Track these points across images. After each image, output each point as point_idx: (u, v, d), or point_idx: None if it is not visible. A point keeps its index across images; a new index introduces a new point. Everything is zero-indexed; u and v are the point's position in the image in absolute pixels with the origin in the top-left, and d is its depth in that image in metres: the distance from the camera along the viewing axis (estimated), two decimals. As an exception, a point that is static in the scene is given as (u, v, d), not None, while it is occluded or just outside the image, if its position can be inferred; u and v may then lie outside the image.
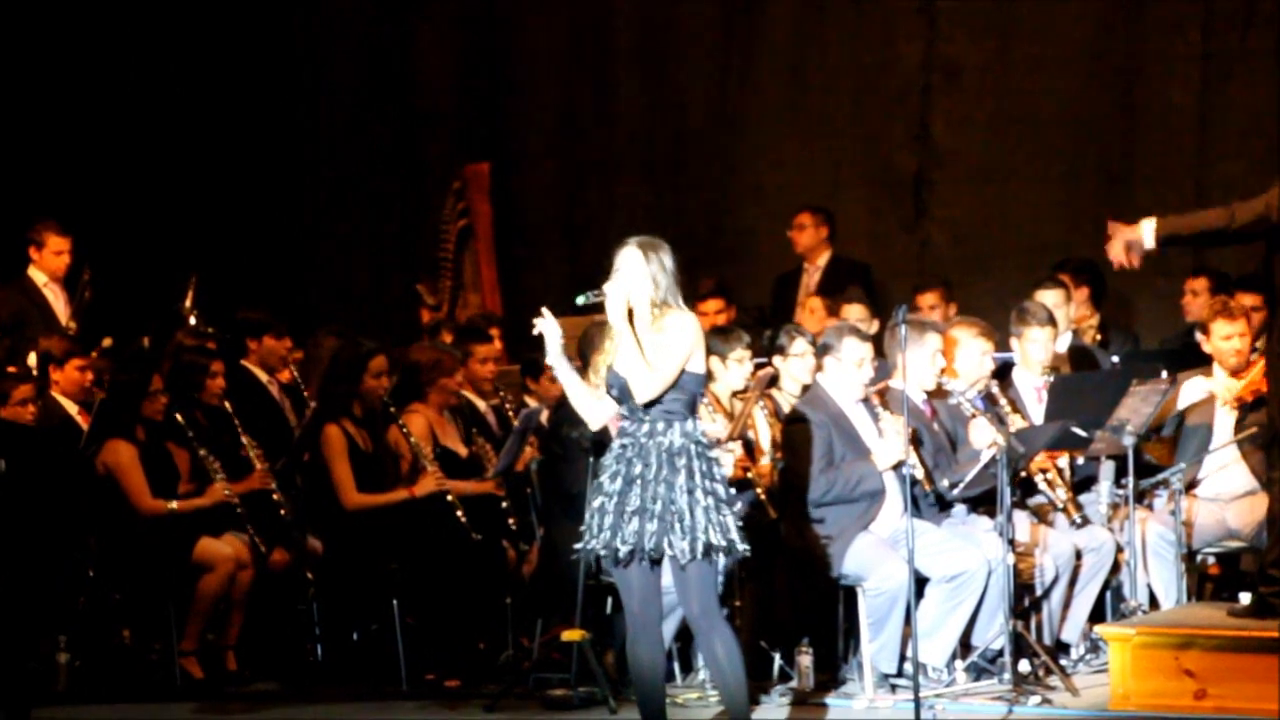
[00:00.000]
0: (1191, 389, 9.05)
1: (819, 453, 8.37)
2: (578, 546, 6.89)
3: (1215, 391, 8.92)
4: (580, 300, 6.96)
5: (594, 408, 6.88)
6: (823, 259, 11.51)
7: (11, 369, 9.61)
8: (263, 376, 10.16)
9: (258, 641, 9.20)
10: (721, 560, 6.82)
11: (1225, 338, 8.92)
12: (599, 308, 6.91)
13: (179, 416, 9.12)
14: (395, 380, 9.42)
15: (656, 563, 6.71)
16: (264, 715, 8.42)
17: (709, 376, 8.56)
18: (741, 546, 6.70)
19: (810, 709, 8.04)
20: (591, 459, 7.70)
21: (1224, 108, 11.34)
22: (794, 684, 8.21)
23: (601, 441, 7.78)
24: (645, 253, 6.83)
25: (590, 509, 6.84)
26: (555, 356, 6.81)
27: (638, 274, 6.78)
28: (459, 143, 13.00)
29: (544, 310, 6.84)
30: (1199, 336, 9.39)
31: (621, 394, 6.81)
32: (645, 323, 6.78)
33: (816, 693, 8.18)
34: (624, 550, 6.68)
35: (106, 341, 10.40)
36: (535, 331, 6.84)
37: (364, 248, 13.21)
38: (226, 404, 9.41)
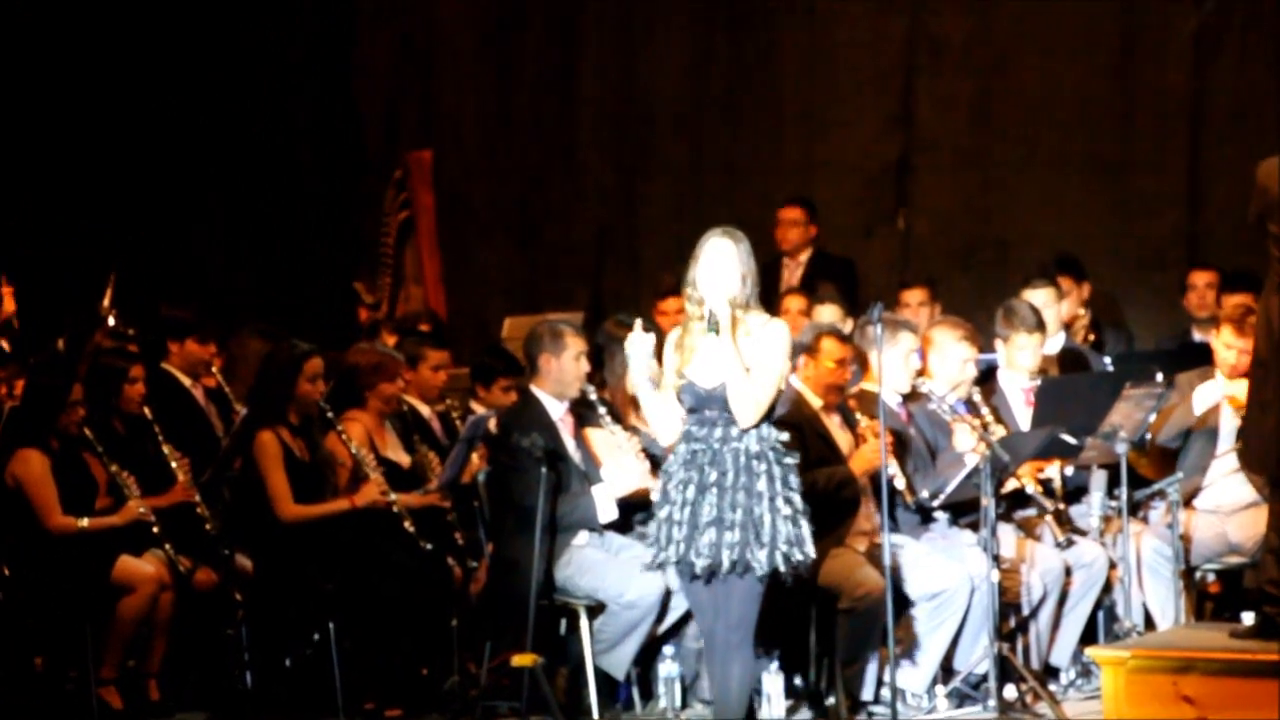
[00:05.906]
0: (1204, 394, 9.15)
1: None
2: (645, 561, 6.93)
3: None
4: (713, 333, 6.91)
5: (670, 424, 6.83)
6: (805, 255, 11.54)
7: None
8: (185, 380, 10.12)
9: (182, 668, 9.12)
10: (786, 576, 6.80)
11: (1227, 346, 9.04)
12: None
13: (88, 431, 9.03)
14: (332, 385, 9.31)
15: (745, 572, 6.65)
16: (189, 749, 8.41)
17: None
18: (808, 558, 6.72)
19: (780, 743, 8.13)
20: (544, 469, 7.78)
21: (1216, 90, 11.49)
22: (761, 714, 8.10)
23: (554, 451, 7.95)
24: (737, 245, 6.78)
25: (657, 520, 6.84)
26: (639, 378, 6.80)
27: (729, 269, 6.72)
28: (397, 130, 13.12)
29: (638, 323, 6.82)
30: (1198, 334, 9.75)
31: (697, 402, 6.78)
32: (726, 325, 6.70)
33: (787, 721, 8.30)
34: (700, 564, 6.64)
35: (2, 343, 10.29)
36: (627, 349, 6.81)
37: (296, 242, 13.13)
38: (147, 410, 9.28)
